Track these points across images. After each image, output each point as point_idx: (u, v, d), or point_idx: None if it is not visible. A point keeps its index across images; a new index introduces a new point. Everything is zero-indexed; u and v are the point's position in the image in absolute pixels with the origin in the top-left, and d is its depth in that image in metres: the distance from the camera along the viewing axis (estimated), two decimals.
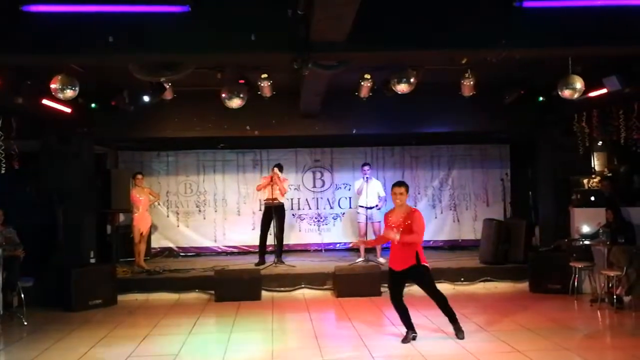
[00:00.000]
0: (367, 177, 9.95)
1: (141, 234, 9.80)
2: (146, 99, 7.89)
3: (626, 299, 7.48)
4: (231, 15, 5.34)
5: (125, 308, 8.21)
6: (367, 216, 9.91)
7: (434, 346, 5.99)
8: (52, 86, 6.18)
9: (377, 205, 10.02)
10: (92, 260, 9.12)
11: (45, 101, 7.44)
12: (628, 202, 8.62)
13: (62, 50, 5.41)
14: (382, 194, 10.10)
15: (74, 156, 8.94)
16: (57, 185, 8.87)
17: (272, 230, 9.95)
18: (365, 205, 9.93)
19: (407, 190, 6.03)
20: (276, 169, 9.96)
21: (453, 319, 6.13)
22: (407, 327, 6.13)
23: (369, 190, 9.92)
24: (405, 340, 6.04)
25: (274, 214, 9.84)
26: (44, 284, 8.27)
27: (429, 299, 5.96)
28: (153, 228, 11.17)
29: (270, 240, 10.02)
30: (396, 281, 6.08)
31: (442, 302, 6.07)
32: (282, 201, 10.02)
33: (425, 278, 6.06)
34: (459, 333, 6.09)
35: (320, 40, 5.29)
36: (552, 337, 6.18)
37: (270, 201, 9.82)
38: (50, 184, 8.94)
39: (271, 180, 9.82)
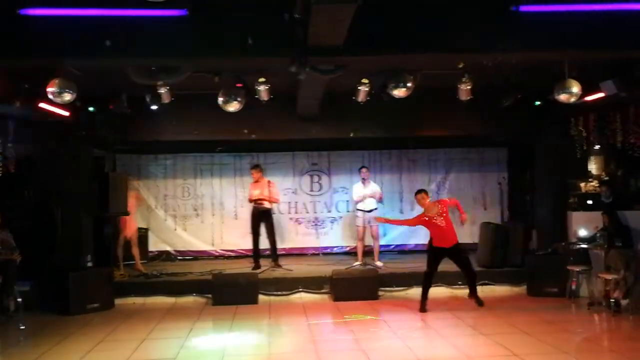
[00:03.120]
0: (363, 179, 9.97)
1: (125, 237, 9.66)
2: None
3: (623, 302, 7.49)
4: (228, 19, 5.36)
5: (122, 312, 8.20)
6: (365, 219, 9.90)
7: (432, 350, 6.01)
8: (50, 90, 6.15)
9: (376, 209, 10.01)
10: (90, 264, 9.09)
11: (43, 104, 7.42)
12: (625, 205, 8.63)
13: (60, 54, 5.43)
14: (379, 193, 10.13)
15: (72, 159, 8.91)
16: (55, 189, 8.85)
17: (263, 232, 9.94)
18: (363, 209, 9.93)
19: (426, 194, 8.03)
20: (254, 171, 9.97)
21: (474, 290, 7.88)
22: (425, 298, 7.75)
23: (368, 194, 9.93)
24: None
25: (261, 218, 9.84)
26: (41, 287, 8.25)
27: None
28: (151, 231, 11.16)
29: (266, 244, 10.00)
30: (439, 258, 7.90)
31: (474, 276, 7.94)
32: (267, 206, 9.94)
33: (462, 252, 7.99)
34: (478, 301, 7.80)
35: (318, 44, 5.30)
36: (550, 341, 6.18)
37: (260, 203, 9.81)
38: (48, 187, 8.92)
39: (257, 181, 9.87)
